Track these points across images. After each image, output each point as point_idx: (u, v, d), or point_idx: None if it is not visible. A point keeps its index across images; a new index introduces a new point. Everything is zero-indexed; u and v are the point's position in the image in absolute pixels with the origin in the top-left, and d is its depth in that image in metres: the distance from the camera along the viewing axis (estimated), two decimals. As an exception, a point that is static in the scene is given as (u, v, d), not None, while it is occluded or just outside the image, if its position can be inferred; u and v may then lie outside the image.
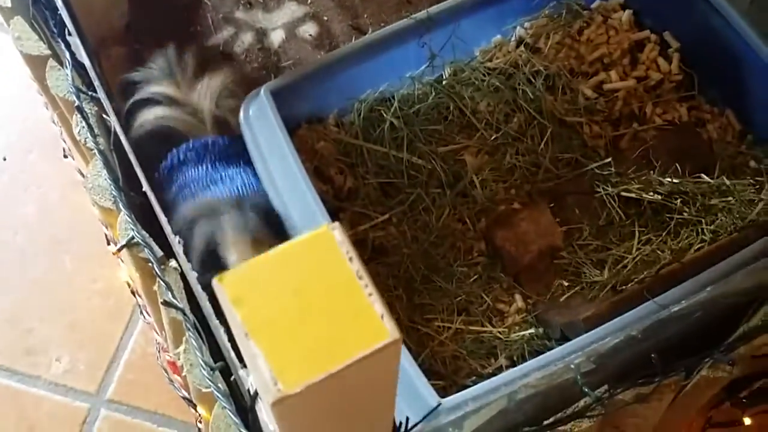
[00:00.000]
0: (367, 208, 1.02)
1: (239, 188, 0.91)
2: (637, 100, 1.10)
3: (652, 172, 1.00)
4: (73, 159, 1.11)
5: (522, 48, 1.12)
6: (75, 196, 1.28)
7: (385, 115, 1.06)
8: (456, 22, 1.05)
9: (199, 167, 0.92)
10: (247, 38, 1.20)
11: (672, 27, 1.14)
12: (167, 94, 0.95)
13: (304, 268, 0.43)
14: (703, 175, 0.99)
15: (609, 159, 1.00)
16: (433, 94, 1.09)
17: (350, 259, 0.43)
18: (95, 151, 0.83)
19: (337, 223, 0.44)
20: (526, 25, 1.14)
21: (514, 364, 0.90)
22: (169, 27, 1.17)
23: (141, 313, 1.17)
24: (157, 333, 1.01)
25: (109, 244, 1.06)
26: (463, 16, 1.05)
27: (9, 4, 0.95)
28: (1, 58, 1.40)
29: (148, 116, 0.94)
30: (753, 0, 1.14)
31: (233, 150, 0.95)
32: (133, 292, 1.11)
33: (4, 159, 1.33)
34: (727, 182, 0.98)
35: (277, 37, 1.20)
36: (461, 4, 1.04)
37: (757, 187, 0.99)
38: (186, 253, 0.80)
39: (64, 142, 1.11)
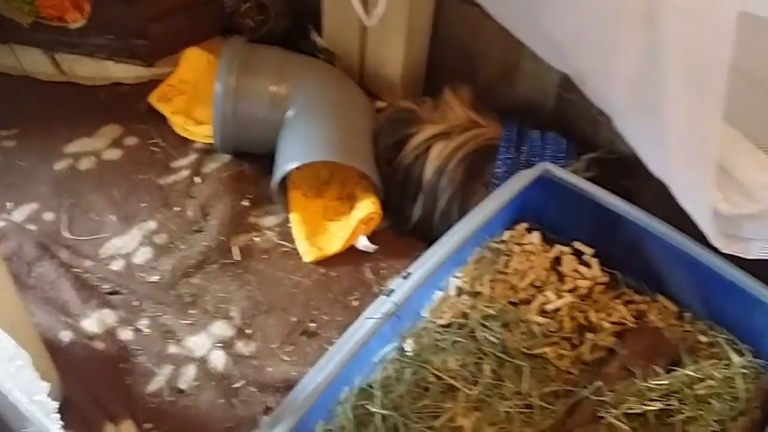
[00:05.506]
0: None
1: None
2: (580, 312, 1.18)
3: (635, 380, 1.06)
4: None
5: (465, 297, 1.18)
6: None
7: (371, 408, 1.05)
8: (412, 295, 1.09)
9: None
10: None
11: (578, 236, 1.25)
12: None
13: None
14: (678, 368, 1.07)
15: (600, 383, 1.05)
16: (407, 369, 1.09)
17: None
18: None
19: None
20: (459, 274, 1.20)
21: None
22: None
23: None
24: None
25: None
26: (417, 289, 1.09)
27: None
28: None
29: None
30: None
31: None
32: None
33: None
34: (701, 367, 1.06)
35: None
36: (418, 280, 1.08)
37: (725, 361, 1.08)
38: None
39: None
